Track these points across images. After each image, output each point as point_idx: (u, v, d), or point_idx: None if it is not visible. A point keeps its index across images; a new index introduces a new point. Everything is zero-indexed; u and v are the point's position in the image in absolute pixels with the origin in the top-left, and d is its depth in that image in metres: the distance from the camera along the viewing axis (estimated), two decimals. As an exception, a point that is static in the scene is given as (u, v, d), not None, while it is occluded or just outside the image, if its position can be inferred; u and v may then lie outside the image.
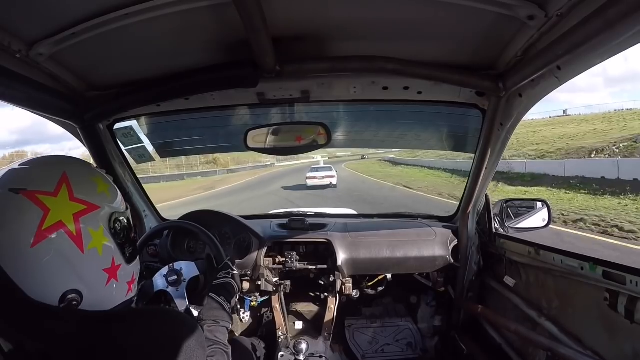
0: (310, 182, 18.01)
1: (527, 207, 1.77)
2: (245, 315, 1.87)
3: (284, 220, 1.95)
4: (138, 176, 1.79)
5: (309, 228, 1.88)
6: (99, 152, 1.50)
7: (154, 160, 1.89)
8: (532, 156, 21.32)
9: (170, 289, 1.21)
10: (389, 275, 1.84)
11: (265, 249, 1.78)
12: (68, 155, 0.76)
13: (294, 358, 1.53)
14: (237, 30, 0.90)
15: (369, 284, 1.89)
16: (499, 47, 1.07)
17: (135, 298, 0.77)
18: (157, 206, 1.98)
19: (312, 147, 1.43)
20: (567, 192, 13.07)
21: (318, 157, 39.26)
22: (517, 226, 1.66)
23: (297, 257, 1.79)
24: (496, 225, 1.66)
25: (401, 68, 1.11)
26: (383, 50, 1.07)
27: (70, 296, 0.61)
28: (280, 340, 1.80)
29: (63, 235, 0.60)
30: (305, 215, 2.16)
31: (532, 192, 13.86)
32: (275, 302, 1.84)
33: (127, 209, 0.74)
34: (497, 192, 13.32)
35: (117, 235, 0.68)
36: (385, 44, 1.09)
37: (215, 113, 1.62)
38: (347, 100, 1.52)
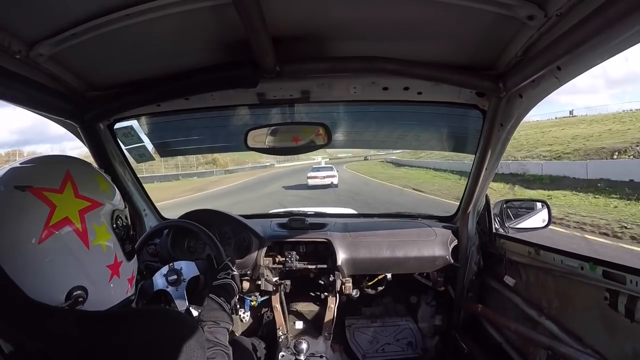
0: (311, 182, 18.01)
1: (526, 207, 1.78)
2: (246, 315, 1.87)
3: (284, 220, 1.95)
4: (134, 175, 1.79)
5: (308, 228, 1.88)
6: (100, 152, 1.50)
7: (154, 160, 1.89)
8: (547, 157, 20.17)
9: (170, 289, 1.21)
10: (389, 275, 1.84)
11: (265, 249, 1.78)
12: (67, 154, 0.77)
13: (294, 358, 1.52)
14: (237, 31, 0.90)
15: (369, 283, 1.89)
16: (498, 47, 1.06)
17: (135, 297, 0.78)
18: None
19: (312, 147, 1.43)
20: (596, 196, 11.51)
21: (319, 158, 39.31)
22: (517, 226, 1.67)
23: (297, 257, 1.79)
24: (496, 225, 1.66)
25: (401, 68, 1.11)
26: (383, 50, 1.07)
27: (76, 293, 0.61)
28: (280, 340, 1.81)
29: (69, 232, 0.61)
30: (305, 214, 2.16)
31: (557, 196, 11.93)
32: (276, 302, 1.84)
33: (125, 207, 0.75)
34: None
35: (118, 232, 0.70)
36: (385, 44, 1.09)
37: (215, 113, 1.63)
38: (347, 100, 1.52)
